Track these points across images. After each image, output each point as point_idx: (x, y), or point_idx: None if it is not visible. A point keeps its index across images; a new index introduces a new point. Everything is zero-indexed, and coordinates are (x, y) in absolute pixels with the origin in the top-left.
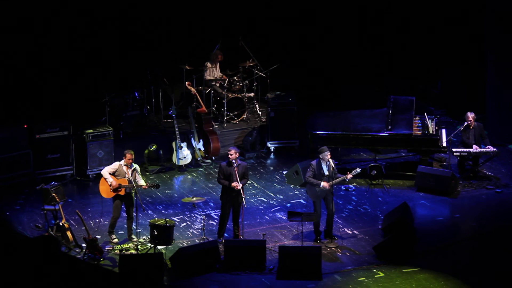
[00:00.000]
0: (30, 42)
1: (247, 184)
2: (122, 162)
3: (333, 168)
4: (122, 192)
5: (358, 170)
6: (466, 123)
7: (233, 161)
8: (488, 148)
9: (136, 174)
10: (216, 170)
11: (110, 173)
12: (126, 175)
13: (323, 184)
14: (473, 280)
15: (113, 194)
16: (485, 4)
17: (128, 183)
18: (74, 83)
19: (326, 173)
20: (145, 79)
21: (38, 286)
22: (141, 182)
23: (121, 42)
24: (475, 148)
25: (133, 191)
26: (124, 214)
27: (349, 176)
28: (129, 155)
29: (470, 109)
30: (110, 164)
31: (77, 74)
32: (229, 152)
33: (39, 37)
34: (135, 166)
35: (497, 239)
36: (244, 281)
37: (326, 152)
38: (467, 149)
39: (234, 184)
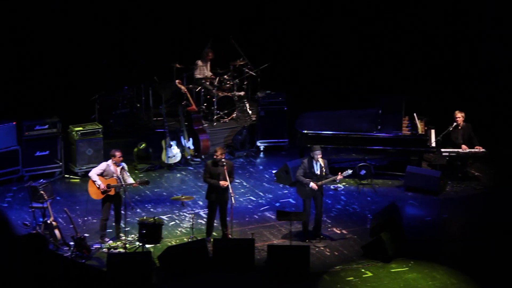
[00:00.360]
0: (19, 39)
1: (236, 183)
2: (110, 161)
3: (324, 168)
4: (112, 192)
5: (349, 171)
6: (455, 123)
7: (220, 160)
8: (477, 148)
9: (124, 173)
10: None
11: (98, 174)
12: (115, 174)
13: (312, 185)
14: (461, 280)
15: (103, 195)
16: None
17: (117, 182)
18: (63, 81)
19: (317, 172)
20: (135, 77)
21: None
22: (130, 180)
23: (111, 39)
24: (464, 149)
25: (121, 190)
26: (112, 213)
27: (339, 177)
28: (118, 153)
29: (460, 108)
30: (100, 162)
31: (66, 71)
32: (215, 153)
33: (29, 34)
34: (123, 164)
35: (485, 239)
36: (233, 280)
37: (316, 152)
38: (455, 150)
39: (222, 182)
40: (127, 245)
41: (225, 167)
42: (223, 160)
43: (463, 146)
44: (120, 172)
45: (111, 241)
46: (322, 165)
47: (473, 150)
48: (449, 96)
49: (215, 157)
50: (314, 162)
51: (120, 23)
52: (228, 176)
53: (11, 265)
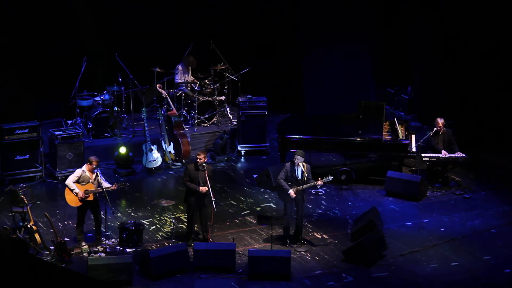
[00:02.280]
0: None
1: (216, 187)
2: (84, 167)
3: (306, 173)
4: (90, 198)
5: (330, 178)
6: (435, 129)
7: (202, 165)
8: (457, 154)
9: (100, 178)
10: None
11: (74, 182)
12: (91, 180)
13: (291, 192)
14: (442, 283)
15: (82, 202)
16: None
17: (96, 188)
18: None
19: (299, 177)
20: (116, 81)
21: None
22: (107, 184)
23: (92, 43)
24: (444, 154)
25: (103, 195)
26: (92, 216)
27: (320, 182)
28: (94, 160)
29: (440, 115)
30: (79, 166)
31: (46, 74)
32: (198, 156)
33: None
34: (98, 170)
35: (465, 244)
36: (213, 284)
37: (298, 156)
38: (436, 155)
39: (202, 188)
40: (108, 249)
41: (205, 172)
42: (204, 164)
43: (444, 152)
44: (95, 177)
45: (86, 246)
46: (304, 170)
47: (453, 155)
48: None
49: (198, 160)
50: (296, 166)
51: (101, 25)
52: (208, 181)
53: None
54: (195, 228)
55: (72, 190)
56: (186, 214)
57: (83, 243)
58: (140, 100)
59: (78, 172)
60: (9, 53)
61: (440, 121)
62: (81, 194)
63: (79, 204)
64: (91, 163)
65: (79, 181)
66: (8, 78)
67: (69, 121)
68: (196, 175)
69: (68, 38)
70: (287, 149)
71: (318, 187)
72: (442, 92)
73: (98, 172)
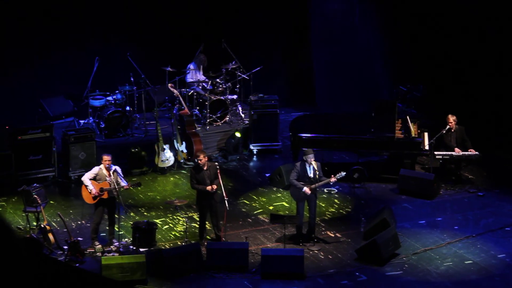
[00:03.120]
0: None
1: (229, 187)
2: (102, 165)
3: (317, 171)
4: (105, 196)
5: (343, 174)
6: (447, 126)
7: (204, 165)
8: (471, 151)
9: (117, 176)
10: None
11: (90, 179)
12: (107, 178)
13: (305, 189)
14: (456, 282)
15: (96, 200)
16: None
17: (110, 186)
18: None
19: (310, 175)
20: (128, 80)
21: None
22: (123, 183)
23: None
24: (457, 152)
25: (115, 193)
26: (106, 216)
27: (333, 179)
28: (105, 157)
29: (452, 112)
30: (92, 166)
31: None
32: (198, 158)
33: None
34: (115, 167)
35: (479, 242)
36: (227, 284)
37: (310, 155)
38: (449, 153)
39: (209, 188)
40: (121, 249)
41: (207, 172)
42: (207, 163)
43: (457, 149)
44: (113, 175)
45: (100, 245)
46: (316, 168)
47: (466, 153)
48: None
49: (199, 162)
50: (307, 165)
51: (111, 25)
52: (214, 179)
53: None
54: (208, 227)
55: (86, 187)
56: (198, 213)
57: (97, 243)
58: (152, 100)
59: (95, 169)
60: (21, 52)
61: (452, 117)
62: (94, 191)
63: (93, 201)
64: (103, 161)
65: (96, 179)
66: (21, 78)
67: (82, 121)
68: (201, 177)
69: (80, 37)
70: (300, 147)
71: (331, 184)
72: (454, 90)
73: (117, 170)
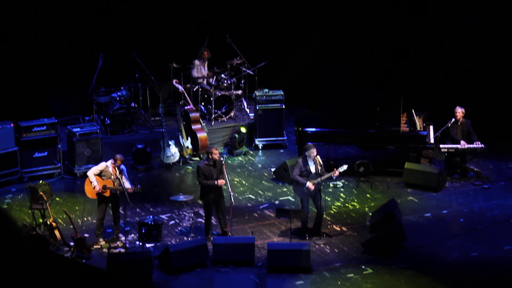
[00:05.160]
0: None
1: (235, 181)
2: (109, 162)
3: (320, 165)
4: (107, 194)
5: (345, 167)
6: (453, 119)
7: (216, 160)
8: (476, 144)
9: (123, 176)
10: None
11: (95, 174)
12: (113, 176)
13: (309, 184)
14: (460, 275)
15: (97, 196)
16: None
17: (114, 185)
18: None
19: (313, 170)
20: (133, 77)
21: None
22: (127, 184)
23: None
24: (463, 144)
25: (118, 193)
26: (111, 212)
27: (336, 173)
28: (119, 157)
29: (459, 104)
30: (97, 162)
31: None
32: (213, 153)
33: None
34: (123, 167)
35: (485, 234)
36: (233, 278)
37: (311, 150)
38: (454, 145)
39: (220, 181)
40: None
41: (224, 165)
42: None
43: (462, 142)
44: (119, 174)
45: (104, 242)
46: (319, 162)
47: (472, 145)
48: (448, 91)
49: (214, 157)
50: (310, 160)
51: (116, 22)
52: (219, 174)
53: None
54: (213, 222)
55: (91, 182)
56: (204, 209)
57: (101, 239)
58: (157, 96)
59: (102, 165)
60: (26, 50)
61: (460, 109)
62: (97, 188)
63: (95, 196)
64: (115, 161)
65: (101, 175)
66: (26, 75)
67: (87, 118)
68: (210, 172)
69: (85, 34)
70: (305, 142)
71: (334, 177)
72: (460, 83)
73: (123, 170)
